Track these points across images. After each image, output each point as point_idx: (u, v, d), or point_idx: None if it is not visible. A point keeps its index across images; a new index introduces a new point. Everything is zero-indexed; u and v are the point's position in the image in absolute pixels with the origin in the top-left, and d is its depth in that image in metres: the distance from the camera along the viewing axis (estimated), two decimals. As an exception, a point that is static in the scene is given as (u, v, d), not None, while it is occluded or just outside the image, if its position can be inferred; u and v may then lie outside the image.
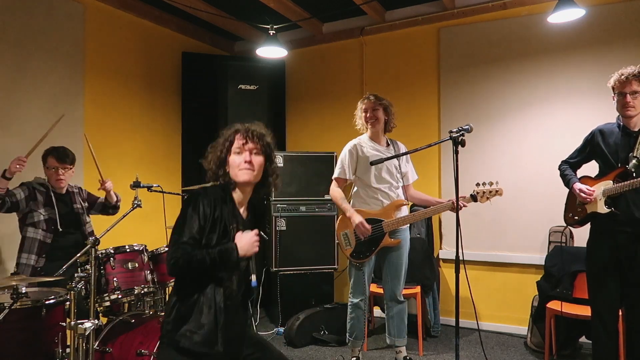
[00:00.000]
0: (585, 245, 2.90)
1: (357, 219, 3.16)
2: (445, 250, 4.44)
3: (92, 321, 2.21)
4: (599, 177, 2.79)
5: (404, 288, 3.35)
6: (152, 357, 2.44)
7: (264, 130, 2.06)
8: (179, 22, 4.81)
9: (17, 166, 2.86)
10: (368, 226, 3.14)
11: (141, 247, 2.90)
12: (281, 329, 4.14)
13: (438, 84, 4.54)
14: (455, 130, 2.60)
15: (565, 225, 3.02)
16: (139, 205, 3.00)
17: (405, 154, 3.25)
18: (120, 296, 2.73)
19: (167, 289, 3.17)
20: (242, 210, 2.03)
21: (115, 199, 3.37)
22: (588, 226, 2.86)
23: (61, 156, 3.08)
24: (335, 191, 3.31)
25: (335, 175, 3.35)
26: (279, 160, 4.40)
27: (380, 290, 3.49)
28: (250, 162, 1.95)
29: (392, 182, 3.27)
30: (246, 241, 1.90)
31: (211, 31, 5.14)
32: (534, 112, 4.12)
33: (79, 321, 2.16)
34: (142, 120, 4.50)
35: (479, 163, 4.24)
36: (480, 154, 4.27)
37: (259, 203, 2.19)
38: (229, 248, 1.87)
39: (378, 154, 3.24)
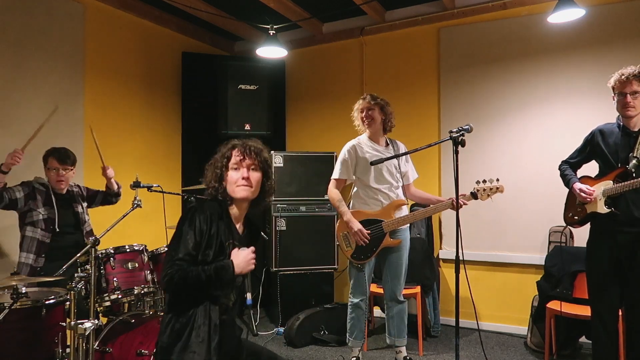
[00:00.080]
0: (585, 245, 2.90)
1: (355, 226, 3.15)
2: (445, 250, 4.44)
3: (92, 321, 2.20)
4: (599, 177, 2.79)
5: (404, 288, 3.35)
6: (152, 357, 2.44)
7: (261, 145, 2.05)
8: (179, 22, 4.81)
9: (13, 159, 2.86)
10: (366, 233, 3.14)
11: (141, 247, 2.90)
12: (281, 329, 4.14)
13: (438, 84, 4.54)
14: (455, 130, 2.60)
15: (565, 225, 3.02)
16: (139, 205, 3.00)
17: (405, 154, 3.25)
18: (120, 296, 2.73)
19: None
20: (238, 225, 2.03)
21: (115, 186, 3.39)
22: (588, 226, 2.86)
23: (62, 157, 3.09)
24: (333, 192, 3.30)
25: (334, 176, 3.33)
26: (279, 160, 4.40)
27: (380, 290, 3.49)
28: (247, 179, 1.95)
29: (392, 182, 3.27)
30: (242, 258, 1.89)
31: (211, 31, 5.14)
32: (534, 112, 4.12)
33: (79, 321, 2.16)
34: (142, 120, 4.50)
35: (479, 163, 4.24)
36: (480, 154, 4.27)
37: (257, 220, 2.19)
38: (225, 265, 1.86)
39: (377, 154, 3.24)
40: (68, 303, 2.28)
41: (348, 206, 3.33)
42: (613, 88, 2.71)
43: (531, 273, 4.03)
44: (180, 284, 1.81)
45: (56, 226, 3.03)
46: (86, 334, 2.17)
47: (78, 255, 2.60)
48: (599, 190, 2.72)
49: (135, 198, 3.00)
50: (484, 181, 3.02)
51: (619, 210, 2.66)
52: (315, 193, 4.43)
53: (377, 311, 4.40)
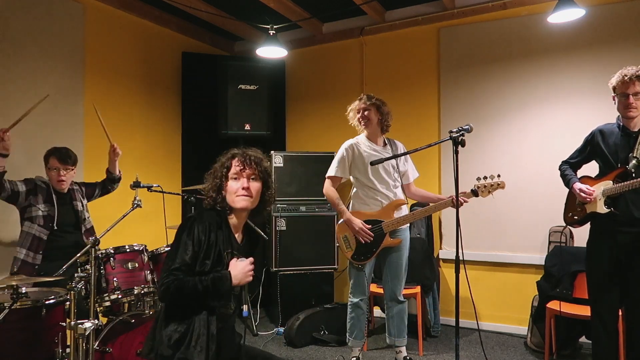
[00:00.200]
0: (585, 245, 2.90)
1: (356, 224, 3.15)
2: (445, 250, 4.44)
3: (92, 321, 2.21)
4: (599, 177, 2.79)
5: (404, 288, 3.35)
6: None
7: (261, 155, 2.04)
8: (179, 22, 4.81)
9: (3, 140, 2.82)
10: (367, 229, 3.14)
11: (141, 247, 2.90)
12: (281, 329, 4.13)
13: (438, 84, 4.54)
14: (455, 130, 2.60)
15: (565, 225, 3.01)
16: (139, 205, 3.00)
17: (405, 154, 3.23)
18: (120, 296, 2.73)
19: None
20: (237, 235, 2.02)
21: (118, 170, 3.43)
22: (588, 226, 2.86)
23: (63, 157, 3.09)
24: (330, 190, 3.29)
25: (330, 173, 3.32)
26: (279, 160, 4.40)
27: (380, 290, 3.49)
28: (248, 189, 1.94)
29: (390, 182, 3.27)
30: (240, 270, 1.89)
31: (211, 31, 5.14)
32: (534, 112, 4.12)
33: (79, 321, 2.16)
34: (142, 120, 4.50)
35: (479, 163, 4.24)
36: (480, 154, 4.27)
37: (256, 232, 2.19)
38: (222, 276, 1.85)
39: (375, 153, 3.24)
40: (68, 303, 2.28)
41: (347, 207, 3.33)
42: (614, 88, 2.70)
43: (531, 273, 4.03)
44: (176, 294, 1.81)
45: (55, 224, 3.04)
46: (86, 334, 2.17)
47: (78, 255, 2.60)
48: (598, 190, 2.72)
49: (135, 198, 3.00)
50: (485, 178, 3.01)
51: (618, 210, 2.66)
52: (315, 193, 4.43)
53: (377, 311, 4.40)
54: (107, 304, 2.73)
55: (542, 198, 3.99)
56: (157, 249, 3.07)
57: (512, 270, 4.19)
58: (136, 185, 3.06)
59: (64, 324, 2.35)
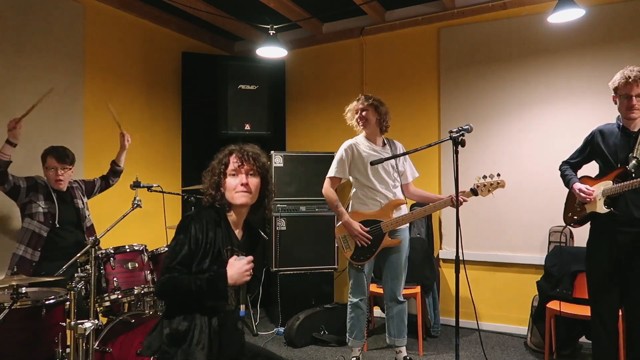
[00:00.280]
0: (585, 245, 2.90)
1: (354, 228, 3.15)
2: (445, 250, 4.44)
3: (92, 321, 2.21)
4: (599, 177, 2.79)
5: (404, 288, 3.35)
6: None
7: (259, 150, 2.03)
8: (179, 22, 4.81)
9: (14, 129, 2.90)
10: (366, 231, 3.14)
11: (141, 247, 2.90)
12: (281, 329, 4.13)
13: (438, 84, 4.54)
14: (455, 130, 2.60)
15: (565, 225, 3.01)
16: (139, 205, 3.00)
17: (405, 154, 3.23)
18: (120, 296, 2.73)
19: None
20: (237, 231, 2.01)
21: (123, 162, 3.48)
22: (588, 226, 2.86)
23: (61, 156, 3.08)
24: (329, 191, 3.28)
25: (330, 174, 3.32)
26: (279, 160, 4.40)
27: (380, 290, 3.49)
28: (246, 185, 1.93)
29: (389, 182, 3.26)
30: (236, 269, 1.84)
31: (211, 31, 5.14)
32: (534, 112, 4.12)
33: (79, 321, 2.16)
34: (142, 120, 4.50)
35: (479, 163, 4.24)
36: (480, 154, 4.27)
37: (256, 230, 2.17)
38: (217, 276, 1.82)
39: (374, 154, 3.24)
40: (68, 303, 2.28)
41: (347, 207, 3.33)
42: (616, 89, 2.68)
43: (531, 273, 4.03)
44: (171, 293, 1.82)
45: (56, 222, 3.04)
46: (86, 334, 2.17)
47: (78, 255, 2.60)
48: (598, 190, 2.72)
49: (135, 198, 3.00)
50: (485, 177, 3.01)
51: (618, 210, 2.66)
52: (315, 193, 4.42)
53: (377, 311, 4.40)
54: (107, 304, 2.73)
55: (542, 198, 3.99)
56: (157, 249, 3.07)
57: (512, 270, 4.19)
58: (136, 185, 3.06)
59: (64, 324, 2.35)
